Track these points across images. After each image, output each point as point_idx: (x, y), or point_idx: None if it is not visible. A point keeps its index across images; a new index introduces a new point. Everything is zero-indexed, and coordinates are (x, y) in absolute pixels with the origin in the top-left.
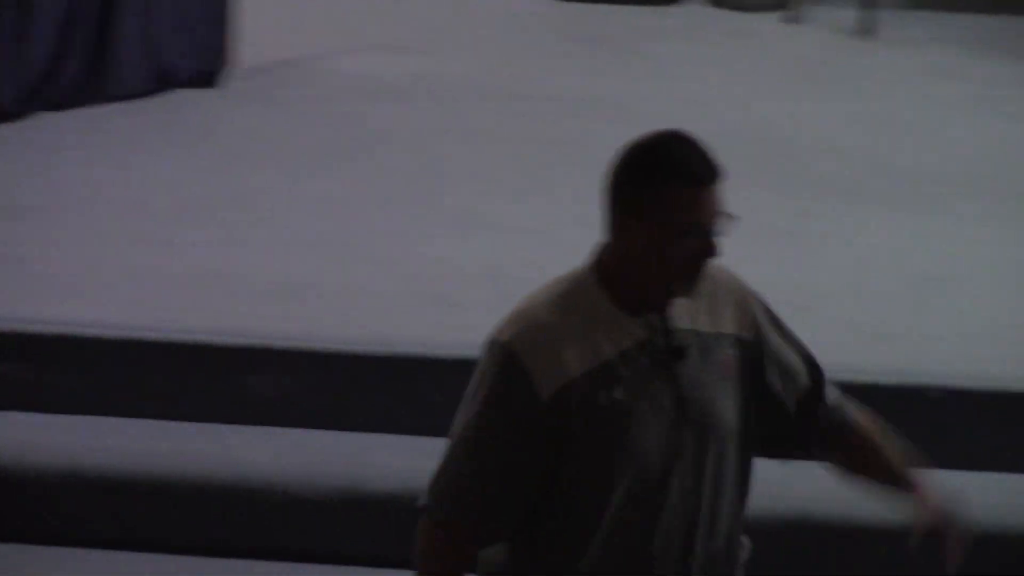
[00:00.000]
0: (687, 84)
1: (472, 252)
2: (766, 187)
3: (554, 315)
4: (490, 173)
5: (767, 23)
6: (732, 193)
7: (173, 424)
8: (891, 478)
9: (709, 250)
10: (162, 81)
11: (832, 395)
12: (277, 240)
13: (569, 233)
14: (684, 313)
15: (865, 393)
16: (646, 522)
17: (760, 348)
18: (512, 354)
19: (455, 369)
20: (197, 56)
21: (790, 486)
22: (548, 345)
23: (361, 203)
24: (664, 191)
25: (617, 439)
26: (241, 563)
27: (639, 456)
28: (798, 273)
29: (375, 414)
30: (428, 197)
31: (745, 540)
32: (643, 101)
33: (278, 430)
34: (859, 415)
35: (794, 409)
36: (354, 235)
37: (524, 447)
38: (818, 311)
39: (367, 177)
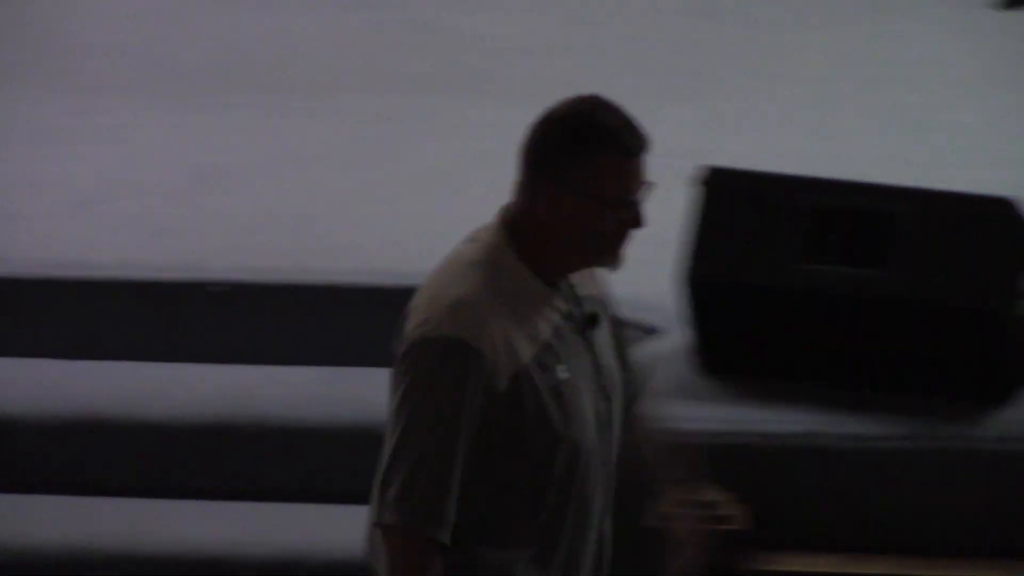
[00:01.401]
0: None
1: None
2: (40, 87)
3: (490, 300)
4: None
5: None
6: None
7: None
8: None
9: (637, 222)
10: None
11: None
12: None
13: None
14: (579, 278)
15: (145, 290)
16: (583, 489)
17: (607, 305)
18: (466, 346)
19: None
20: None
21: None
22: (498, 332)
23: None
24: (596, 162)
25: (564, 416)
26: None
27: (581, 428)
28: (80, 170)
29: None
30: None
31: None
32: None
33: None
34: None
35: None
36: None
37: (479, 439)
38: (98, 208)
39: None
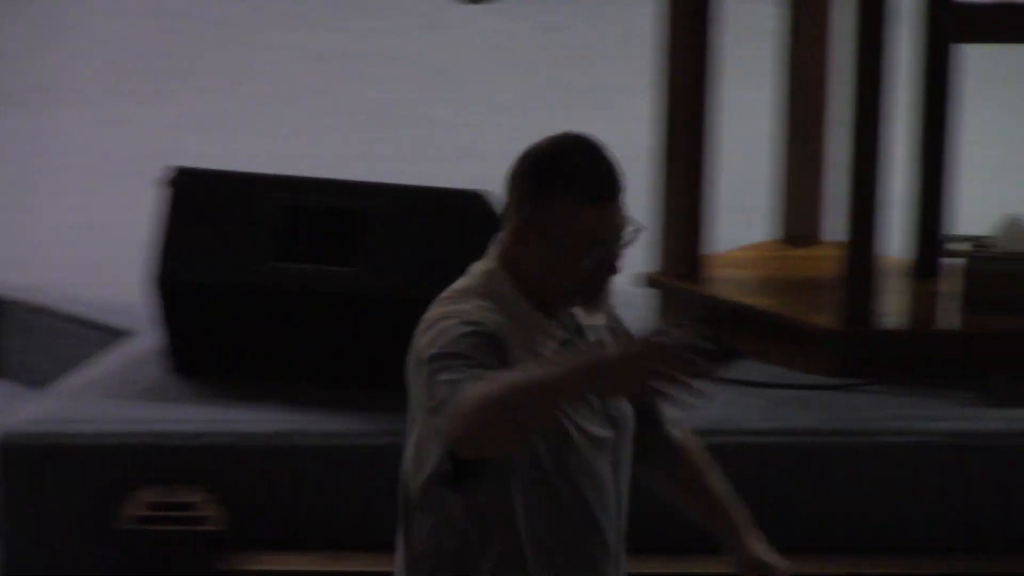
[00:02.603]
0: None
1: None
2: None
3: (496, 316)
4: None
5: None
6: None
7: None
8: (711, 511)
9: (609, 268)
10: None
11: (668, 410)
12: None
13: None
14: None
15: None
16: (577, 515)
17: (617, 333)
18: (486, 327)
19: None
20: None
21: None
22: (510, 335)
23: None
24: (560, 207)
25: (561, 440)
26: None
27: (577, 455)
28: None
29: None
30: None
31: None
32: None
33: None
34: (689, 439)
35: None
36: None
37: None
38: None
39: None
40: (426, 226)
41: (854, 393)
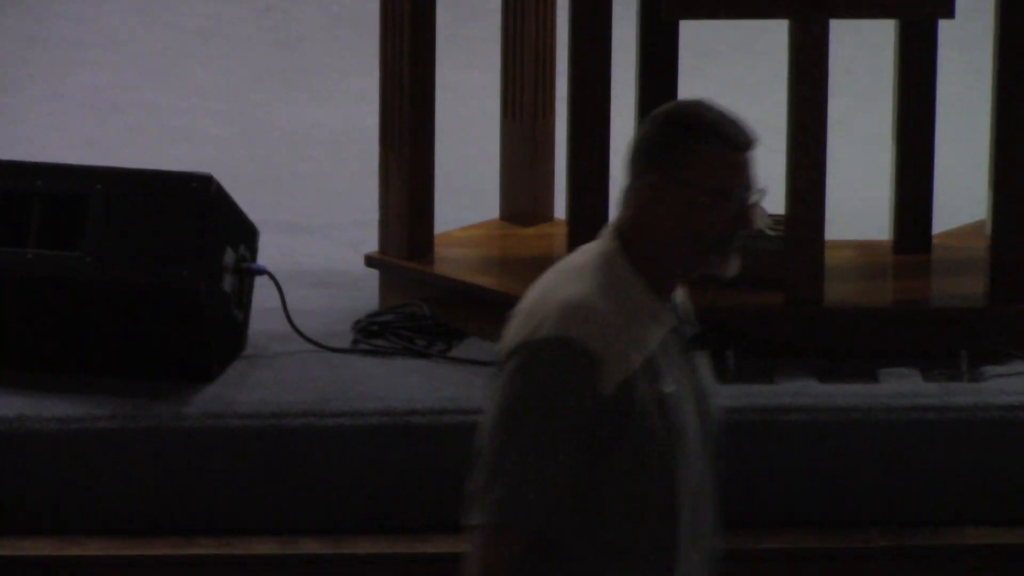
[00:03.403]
0: None
1: None
2: None
3: (602, 302)
4: None
5: None
6: None
7: None
8: None
9: (745, 220)
10: None
11: None
12: None
13: None
14: (681, 298)
15: None
16: (692, 508)
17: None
18: (576, 346)
19: None
20: None
21: None
22: (612, 335)
23: None
24: (698, 150)
25: (669, 430)
26: None
27: (684, 444)
28: None
29: None
30: None
31: None
32: None
33: None
34: None
35: None
36: None
37: (584, 443)
38: None
39: None
40: (151, 210)
41: None
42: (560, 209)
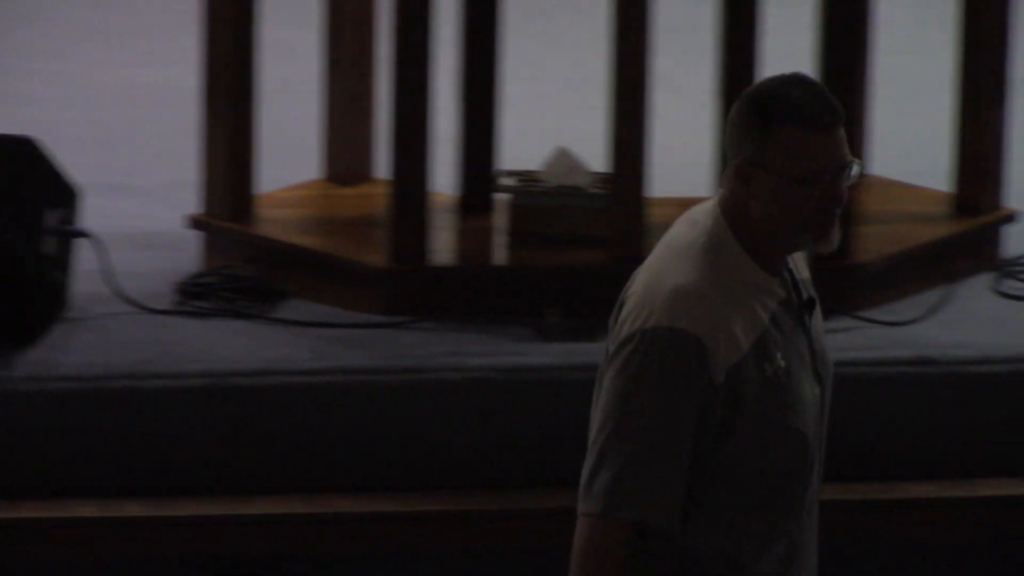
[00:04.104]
0: None
1: None
2: None
3: (711, 287)
4: None
5: None
6: None
7: None
8: None
9: (835, 198)
10: None
11: None
12: None
13: None
14: (795, 264)
15: None
16: (797, 474)
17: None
18: (687, 336)
19: None
20: None
21: None
22: (721, 321)
23: None
24: (784, 134)
25: (782, 405)
26: None
27: (801, 417)
28: None
29: None
30: None
31: None
32: None
33: None
34: None
35: None
36: None
37: (695, 431)
38: None
39: None
40: None
41: (405, 331)
42: (384, 169)
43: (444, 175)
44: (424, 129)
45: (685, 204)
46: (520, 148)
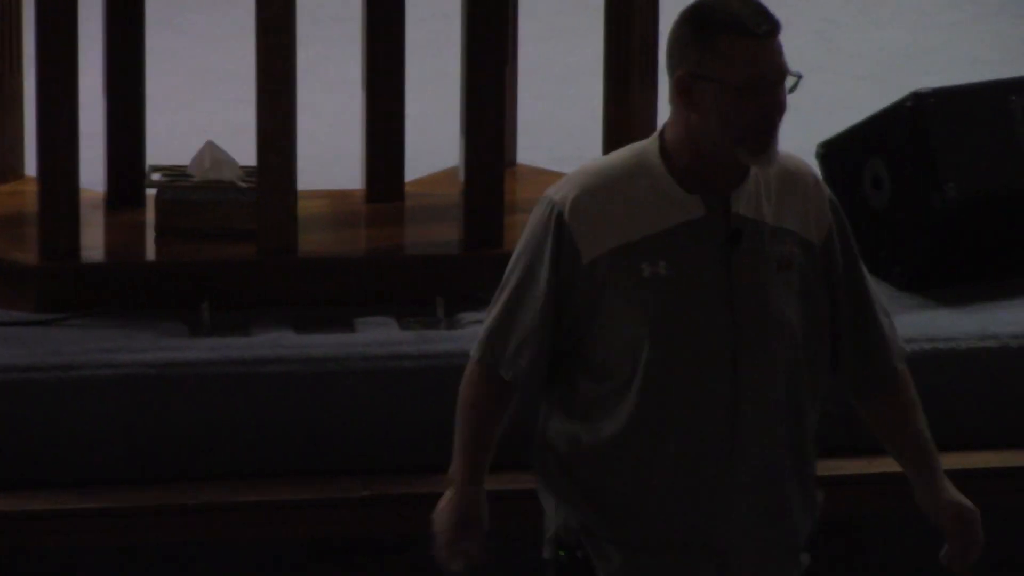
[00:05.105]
0: None
1: None
2: None
3: (609, 182)
4: None
5: None
6: None
7: None
8: (911, 453)
9: (774, 107)
10: None
11: (895, 344)
12: None
13: None
14: (747, 200)
15: None
16: (681, 396)
17: (827, 259)
18: (559, 214)
19: None
20: None
21: None
22: (595, 211)
23: None
24: (718, 44)
25: (654, 310)
26: None
27: (676, 329)
28: None
29: None
30: None
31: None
32: None
33: None
34: (907, 376)
35: (850, 340)
36: None
37: (559, 295)
38: None
39: None
40: None
41: (57, 328)
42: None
43: (94, 172)
44: (71, 126)
45: (334, 196)
46: (169, 143)
